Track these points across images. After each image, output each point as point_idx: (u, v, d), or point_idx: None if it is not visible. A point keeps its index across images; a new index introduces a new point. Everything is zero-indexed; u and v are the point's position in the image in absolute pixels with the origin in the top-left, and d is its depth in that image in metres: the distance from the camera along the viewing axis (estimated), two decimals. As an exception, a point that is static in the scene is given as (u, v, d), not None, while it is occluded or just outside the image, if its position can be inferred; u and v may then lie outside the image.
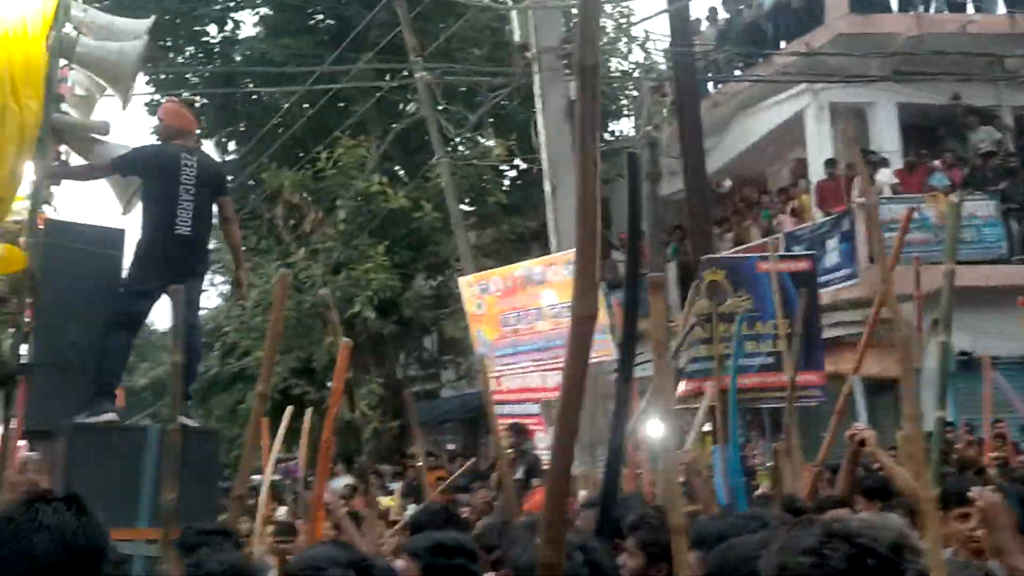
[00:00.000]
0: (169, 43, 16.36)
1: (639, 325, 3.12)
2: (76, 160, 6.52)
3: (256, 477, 6.73)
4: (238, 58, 16.48)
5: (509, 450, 9.08)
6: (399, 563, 2.45)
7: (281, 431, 6.06)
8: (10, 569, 1.42)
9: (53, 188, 6.39)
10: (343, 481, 13.41)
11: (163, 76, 16.59)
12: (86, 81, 6.11)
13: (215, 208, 5.54)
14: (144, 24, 6.60)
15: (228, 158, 17.78)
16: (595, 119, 1.43)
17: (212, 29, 16.82)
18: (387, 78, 15.40)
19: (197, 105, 17.14)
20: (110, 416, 4.96)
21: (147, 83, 16.69)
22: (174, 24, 16.06)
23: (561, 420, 1.50)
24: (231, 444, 16.72)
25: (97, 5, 15.12)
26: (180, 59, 16.67)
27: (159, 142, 5.54)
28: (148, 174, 5.34)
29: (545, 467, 8.70)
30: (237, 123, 17.18)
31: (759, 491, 6.49)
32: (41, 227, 5.60)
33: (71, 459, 4.70)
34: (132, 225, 5.59)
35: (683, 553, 2.20)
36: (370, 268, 13.60)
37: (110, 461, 4.75)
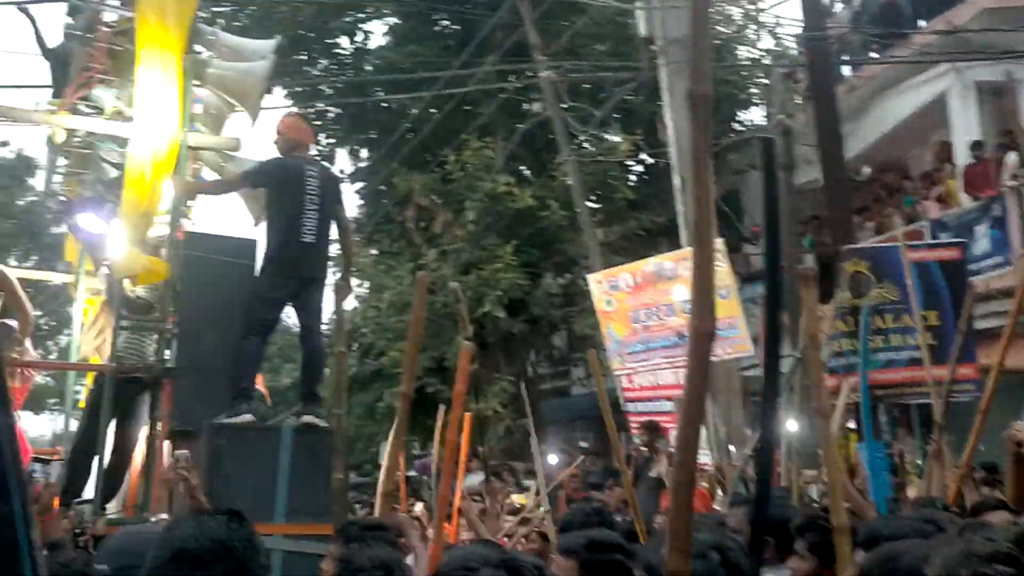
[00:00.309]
0: (304, 57, 17.03)
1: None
2: (210, 175, 6.88)
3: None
4: (368, 68, 16.98)
5: (643, 448, 8.98)
6: (557, 561, 2.46)
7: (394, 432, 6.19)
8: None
9: (190, 203, 6.78)
10: (477, 478, 13.64)
11: (299, 89, 17.31)
12: (216, 100, 6.43)
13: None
14: (270, 44, 6.90)
15: (360, 165, 18.38)
16: (708, 150, 1.42)
17: (344, 41, 17.39)
18: (511, 79, 15.56)
19: (331, 115, 17.86)
20: (247, 417, 5.18)
21: (285, 96, 17.48)
22: (308, 38, 16.71)
23: (683, 435, 1.47)
24: (370, 441, 17.30)
25: (236, 24, 15.92)
26: (314, 71, 17.31)
27: (279, 155, 5.74)
28: (275, 186, 5.56)
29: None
30: (368, 131, 17.70)
31: (902, 492, 6.17)
32: (181, 240, 5.97)
33: (212, 458, 4.94)
34: (260, 235, 5.87)
35: (847, 554, 2.12)
36: (499, 268, 13.74)
37: (248, 460, 4.98)
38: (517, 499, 10.71)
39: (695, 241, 1.40)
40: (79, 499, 5.53)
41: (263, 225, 5.71)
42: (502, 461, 14.71)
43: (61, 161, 7.20)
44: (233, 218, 6.99)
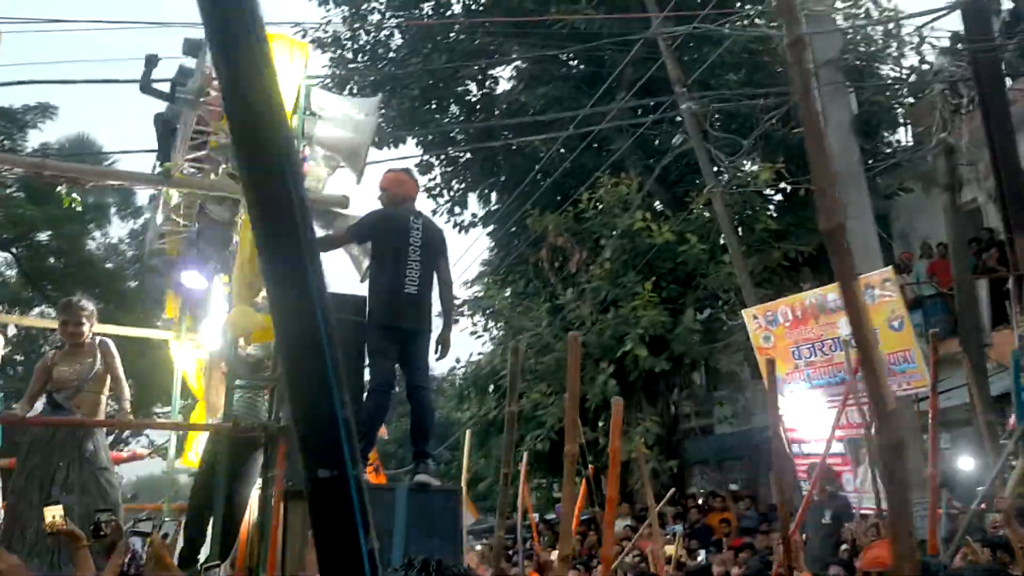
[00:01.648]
0: (435, 105, 17.39)
1: (944, 348, 2.72)
2: (318, 232, 6.95)
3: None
4: (497, 112, 17.17)
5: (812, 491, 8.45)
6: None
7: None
8: None
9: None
10: (623, 523, 13.28)
11: (430, 137, 17.68)
12: (322, 159, 6.51)
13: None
14: (374, 102, 6.99)
15: (492, 208, 18.54)
16: (852, 275, 1.26)
17: (473, 87, 17.68)
18: (639, 113, 15.38)
19: (462, 160, 18.13)
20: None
21: (416, 144, 17.88)
22: (438, 87, 17.08)
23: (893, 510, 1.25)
24: (512, 483, 17.17)
25: (373, 77, 16.32)
26: (445, 119, 17.65)
27: (383, 208, 5.73)
28: (379, 238, 5.56)
29: (856, 511, 8.02)
30: (499, 175, 17.85)
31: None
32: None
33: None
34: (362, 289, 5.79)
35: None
36: (638, 305, 13.48)
37: None
38: (668, 550, 10.31)
39: (856, 336, 1.19)
40: (196, 560, 5.49)
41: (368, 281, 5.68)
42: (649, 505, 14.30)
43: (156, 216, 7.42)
44: (342, 275, 7.03)
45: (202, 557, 5.53)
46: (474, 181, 18.36)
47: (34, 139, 19.23)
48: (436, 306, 5.77)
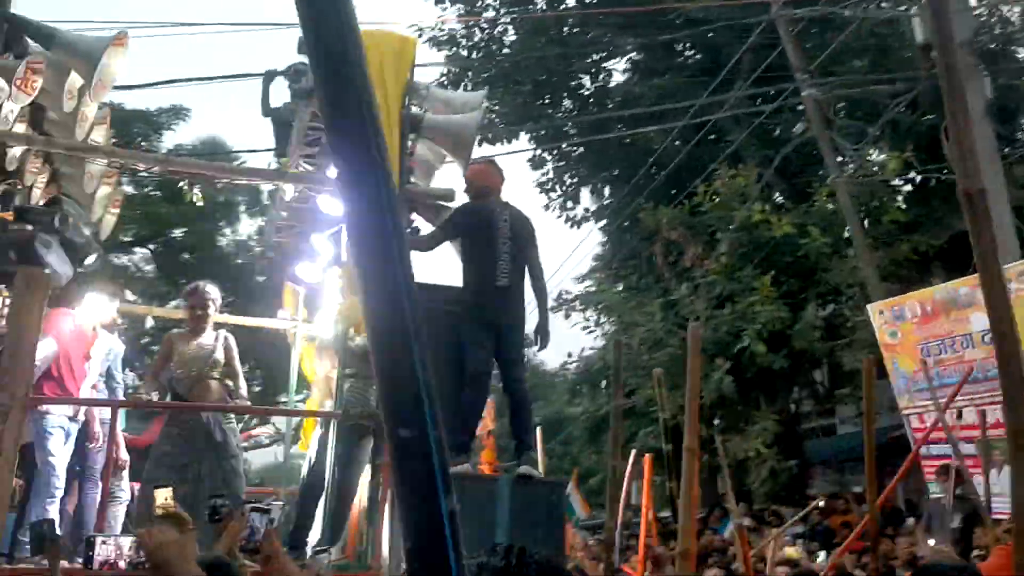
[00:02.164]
0: (548, 100, 17.39)
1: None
2: (425, 226, 6.98)
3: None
4: (611, 105, 17.03)
5: (939, 495, 8.06)
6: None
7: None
8: None
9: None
10: (741, 523, 12.95)
11: (543, 132, 17.70)
12: (429, 152, 6.55)
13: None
14: (479, 96, 7.00)
15: (605, 202, 18.41)
16: (993, 247, 1.11)
17: (586, 81, 17.59)
18: (758, 102, 14.94)
19: (574, 155, 18.07)
20: (465, 467, 5.17)
21: (529, 140, 17.93)
22: (551, 81, 17.06)
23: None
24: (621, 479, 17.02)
25: (485, 75, 16.50)
26: (558, 113, 17.63)
27: (470, 201, 5.75)
28: (468, 232, 5.57)
29: (991, 518, 7.55)
30: (612, 168, 17.71)
31: None
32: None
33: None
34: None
35: None
36: (756, 300, 13.11)
37: (466, 511, 4.91)
38: (790, 552, 10.00)
39: (1000, 362, 1.08)
40: (305, 543, 5.59)
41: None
42: (767, 505, 13.91)
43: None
44: (439, 267, 7.07)
45: (311, 541, 5.71)
46: (587, 175, 18.27)
47: (169, 140, 20.30)
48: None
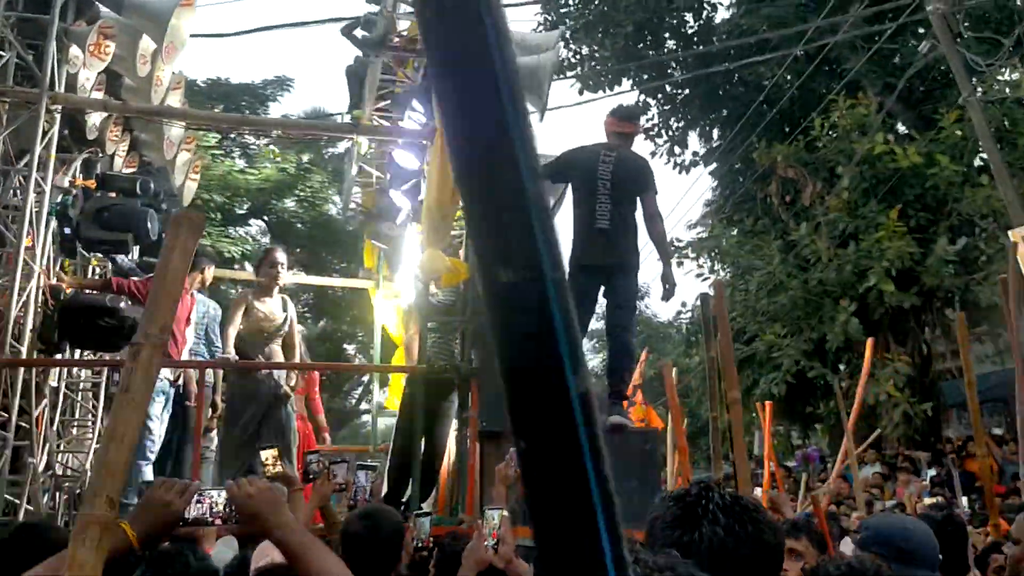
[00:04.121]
0: (650, 40, 16.82)
1: None
2: None
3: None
4: (716, 42, 16.34)
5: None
6: None
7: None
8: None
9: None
10: (872, 470, 12.41)
11: (646, 76, 17.16)
12: None
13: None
14: (554, 36, 6.76)
15: (714, 144, 17.77)
16: None
17: (689, 18, 16.92)
18: (875, 25, 14.02)
19: (680, 97, 17.46)
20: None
21: (632, 86, 17.42)
22: (653, 21, 16.47)
23: None
24: (744, 431, 16.63)
25: (583, 19, 16.03)
26: (660, 54, 17.03)
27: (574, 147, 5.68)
28: (568, 175, 5.55)
29: None
30: (720, 109, 17.05)
31: None
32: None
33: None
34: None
35: None
36: (882, 236, 12.43)
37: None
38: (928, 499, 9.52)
39: None
40: (400, 501, 5.62)
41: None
42: (900, 449, 13.31)
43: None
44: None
45: (405, 497, 5.73)
46: (694, 118, 17.64)
47: (275, 111, 20.71)
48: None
